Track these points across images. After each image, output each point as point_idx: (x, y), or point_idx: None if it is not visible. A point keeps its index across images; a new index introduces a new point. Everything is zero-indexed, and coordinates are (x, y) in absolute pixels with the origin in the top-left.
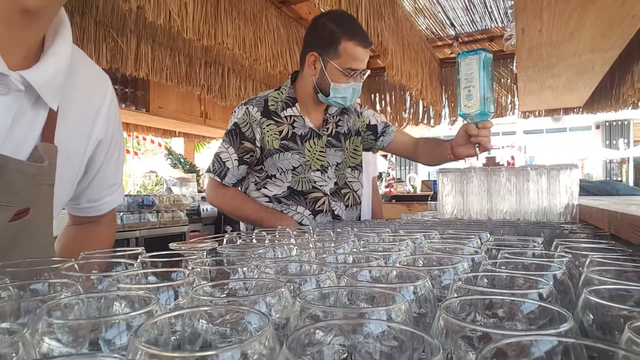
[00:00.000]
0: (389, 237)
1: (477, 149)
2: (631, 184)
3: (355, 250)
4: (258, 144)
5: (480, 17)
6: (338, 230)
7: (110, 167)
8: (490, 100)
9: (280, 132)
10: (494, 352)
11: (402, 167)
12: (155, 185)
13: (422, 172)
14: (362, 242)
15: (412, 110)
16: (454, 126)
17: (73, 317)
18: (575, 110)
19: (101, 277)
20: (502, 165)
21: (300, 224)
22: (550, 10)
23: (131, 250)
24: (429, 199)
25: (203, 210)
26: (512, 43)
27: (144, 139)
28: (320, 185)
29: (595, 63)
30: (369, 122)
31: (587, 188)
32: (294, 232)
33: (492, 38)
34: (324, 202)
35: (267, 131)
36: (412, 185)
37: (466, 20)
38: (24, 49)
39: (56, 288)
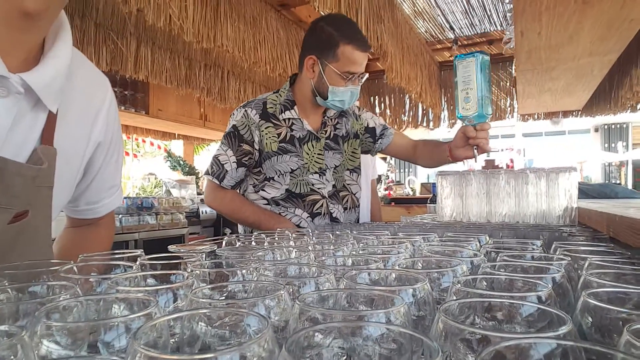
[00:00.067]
0: (388, 239)
1: (475, 150)
2: (630, 186)
3: (354, 252)
4: (256, 147)
5: (479, 21)
6: (337, 232)
7: (109, 170)
8: (488, 102)
9: (279, 134)
10: (493, 355)
11: (402, 170)
12: (155, 187)
13: (422, 175)
14: (362, 244)
15: (411, 112)
16: (453, 129)
17: (72, 319)
18: (574, 113)
19: (100, 279)
20: (501, 168)
21: (298, 226)
22: (549, 14)
23: (130, 252)
24: (428, 202)
25: (202, 213)
26: (511, 46)
27: (144, 141)
28: (319, 188)
29: (594, 66)
30: (368, 125)
31: (586, 191)
32: (293, 235)
33: (491, 41)
34: (322, 205)
35: (266, 134)
36: (411, 188)
37: (465, 23)
38: (24, 51)
39: (55, 290)
